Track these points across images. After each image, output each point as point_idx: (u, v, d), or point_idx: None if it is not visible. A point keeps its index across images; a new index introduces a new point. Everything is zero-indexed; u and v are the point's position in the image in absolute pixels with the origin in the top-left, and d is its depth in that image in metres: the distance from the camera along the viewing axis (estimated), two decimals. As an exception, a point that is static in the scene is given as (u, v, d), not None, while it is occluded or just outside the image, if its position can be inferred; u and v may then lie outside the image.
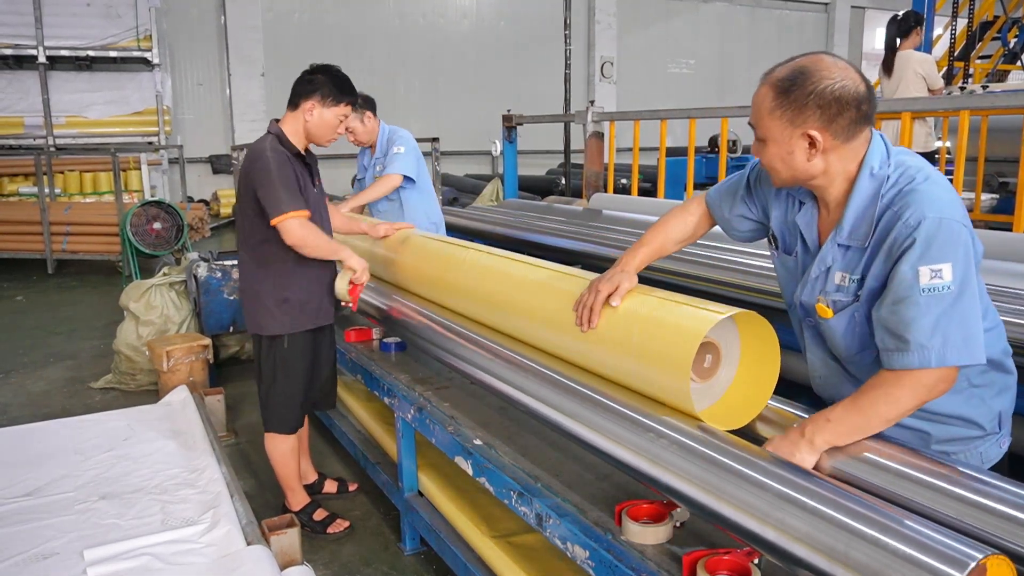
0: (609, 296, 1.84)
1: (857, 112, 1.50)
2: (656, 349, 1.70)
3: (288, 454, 2.96)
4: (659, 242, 1.99)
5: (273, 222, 2.58)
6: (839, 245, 1.62)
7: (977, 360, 1.48)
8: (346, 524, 3.03)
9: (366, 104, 4.08)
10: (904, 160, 1.58)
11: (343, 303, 2.92)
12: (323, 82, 2.71)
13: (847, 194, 1.59)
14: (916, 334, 1.45)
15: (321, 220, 2.84)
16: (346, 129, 4.23)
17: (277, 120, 2.81)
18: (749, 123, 1.63)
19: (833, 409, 1.55)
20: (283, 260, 2.71)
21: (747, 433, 1.73)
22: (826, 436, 1.53)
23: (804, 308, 1.75)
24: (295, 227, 2.60)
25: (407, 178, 4.04)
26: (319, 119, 2.73)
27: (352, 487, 3.35)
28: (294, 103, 2.74)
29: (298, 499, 3.04)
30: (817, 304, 1.67)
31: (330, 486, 3.31)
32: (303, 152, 2.79)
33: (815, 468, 1.52)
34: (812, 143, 1.52)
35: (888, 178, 1.55)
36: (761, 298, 2.71)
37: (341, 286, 2.84)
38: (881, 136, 1.60)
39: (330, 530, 3.00)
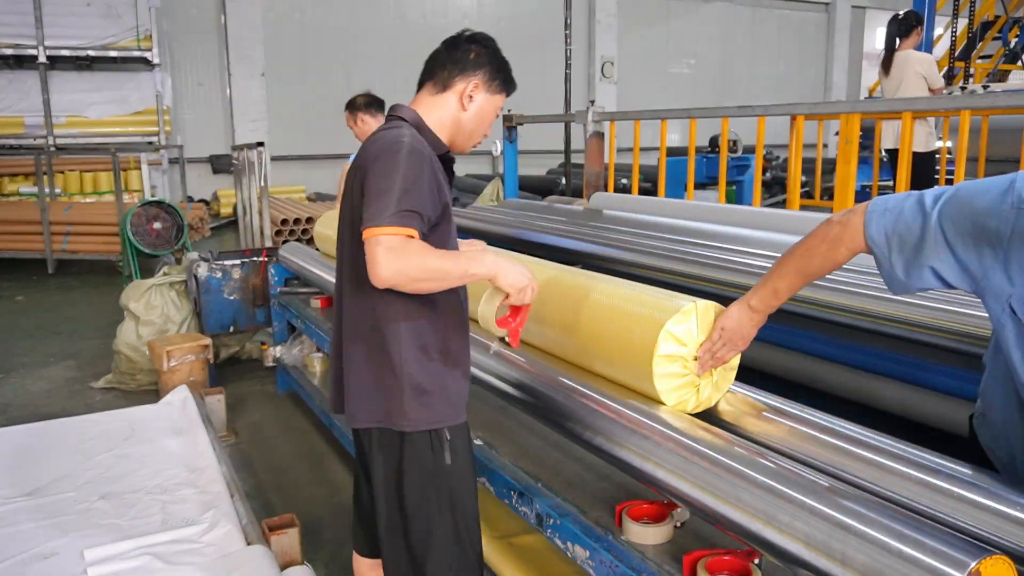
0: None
1: None
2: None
3: None
4: (796, 284, 1.60)
5: (364, 234, 1.57)
6: None
7: None
8: None
9: (375, 104, 4.13)
10: None
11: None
12: (489, 58, 1.81)
13: None
14: None
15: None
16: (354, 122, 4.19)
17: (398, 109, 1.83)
18: None
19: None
20: (432, 299, 1.72)
21: (743, 432, 1.73)
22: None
23: None
24: (380, 251, 1.53)
25: None
26: (480, 110, 1.81)
27: None
28: (442, 82, 1.80)
29: None
30: None
31: None
32: (447, 153, 1.83)
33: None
34: None
35: None
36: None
37: (487, 312, 1.81)
38: None
39: None
